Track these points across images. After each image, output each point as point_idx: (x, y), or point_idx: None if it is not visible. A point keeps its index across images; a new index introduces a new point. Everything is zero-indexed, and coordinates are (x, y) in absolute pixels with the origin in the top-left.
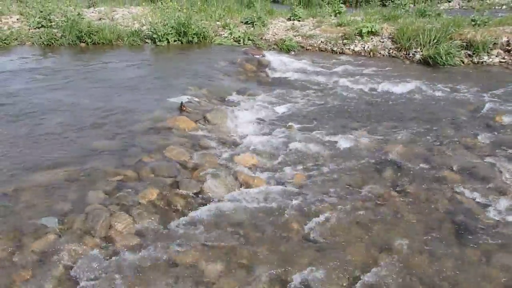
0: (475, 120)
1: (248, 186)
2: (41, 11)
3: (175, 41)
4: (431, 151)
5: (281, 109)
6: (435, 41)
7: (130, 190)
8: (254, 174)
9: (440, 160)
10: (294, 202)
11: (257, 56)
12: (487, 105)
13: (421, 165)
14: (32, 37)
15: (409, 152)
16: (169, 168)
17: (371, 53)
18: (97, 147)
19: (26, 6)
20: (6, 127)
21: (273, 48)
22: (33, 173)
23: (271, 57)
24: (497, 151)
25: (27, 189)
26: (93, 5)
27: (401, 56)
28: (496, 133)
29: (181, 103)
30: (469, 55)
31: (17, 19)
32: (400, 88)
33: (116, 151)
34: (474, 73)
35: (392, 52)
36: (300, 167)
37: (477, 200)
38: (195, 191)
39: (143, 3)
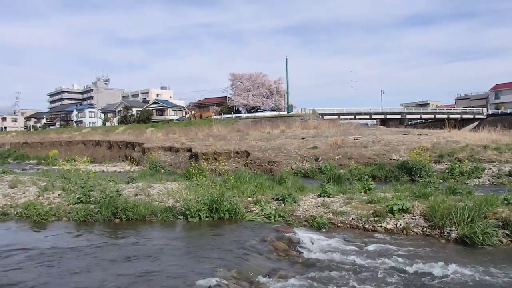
0: None
1: None
2: (82, 187)
3: (206, 217)
4: None
5: None
6: (469, 219)
7: None
8: None
9: None
10: None
11: (288, 234)
12: None
13: None
14: (69, 213)
15: None
16: None
17: (404, 231)
18: None
19: (69, 182)
20: None
21: (304, 224)
22: None
23: (302, 234)
24: None
25: None
26: (132, 181)
27: (435, 234)
28: None
29: (209, 287)
30: (507, 234)
31: (59, 195)
32: (439, 271)
33: None
34: None
35: (426, 230)
36: None
37: None
38: None
39: (179, 179)
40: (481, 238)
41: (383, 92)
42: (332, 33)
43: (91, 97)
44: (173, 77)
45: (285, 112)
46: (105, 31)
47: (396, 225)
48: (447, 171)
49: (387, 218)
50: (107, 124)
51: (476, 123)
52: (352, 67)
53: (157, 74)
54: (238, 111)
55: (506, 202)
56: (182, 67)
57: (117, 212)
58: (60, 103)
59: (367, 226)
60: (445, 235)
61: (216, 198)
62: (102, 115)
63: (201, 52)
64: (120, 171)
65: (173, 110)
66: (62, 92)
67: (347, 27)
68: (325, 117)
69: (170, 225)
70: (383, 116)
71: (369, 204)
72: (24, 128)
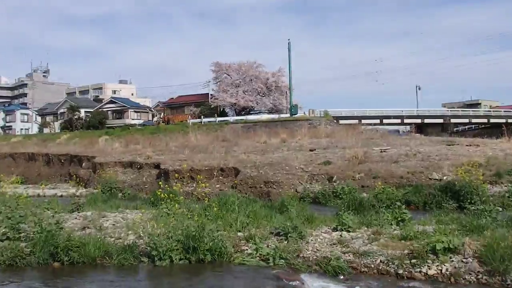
0: None
1: None
2: (9, 218)
3: (180, 259)
4: None
5: None
6: None
7: None
8: None
9: None
10: None
11: (293, 283)
12: None
13: None
14: None
15: None
16: None
17: (452, 278)
18: None
19: None
20: None
21: (315, 269)
22: None
23: (311, 283)
24: None
25: None
26: (78, 209)
27: (495, 283)
28: None
29: None
30: None
31: None
32: None
33: None
34: None
35: (482, 278)
36: None
37: None
38: None
39: (143, 206)
40: None
41: (419, 88)
42: (349, 11)
43: (25, 95)
44: (138, 69)
45: (288, 115)
46: (48, 8)
47: (441, 270)
48: (507, 195)
49: (429, 261)
50: (46, 130)
51: None
52: (377, 56)
53: (117, 64)
54: (224, 113)
55: None
56: (151, 56)
57: (57, 252)
58: None
59: (400, 271)
60: (508, 284)
61: (194, 233)
62: (39, 118)
63: (177, 37)
64: (62, 195)
65: (135, 111)
66: None
67: (370, 4)
68: (341, 122)
69: (129, 271)
70: (419, 121)
71: (403, 241)
72: None
